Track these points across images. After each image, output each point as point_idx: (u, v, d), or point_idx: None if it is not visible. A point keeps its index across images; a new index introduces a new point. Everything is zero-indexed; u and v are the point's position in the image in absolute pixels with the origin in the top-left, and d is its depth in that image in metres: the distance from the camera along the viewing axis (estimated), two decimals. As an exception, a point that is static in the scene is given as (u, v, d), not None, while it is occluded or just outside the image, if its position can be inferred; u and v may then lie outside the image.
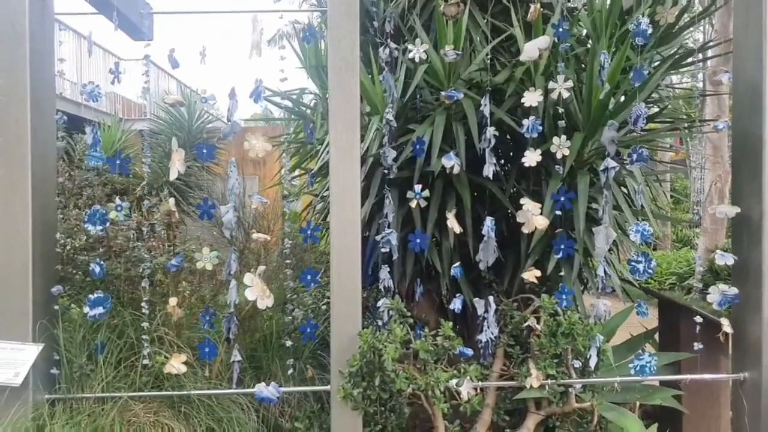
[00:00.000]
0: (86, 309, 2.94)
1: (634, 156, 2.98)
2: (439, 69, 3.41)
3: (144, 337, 2.98)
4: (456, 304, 3.08)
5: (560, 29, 3.10)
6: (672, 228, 13.24)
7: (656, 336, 3.98)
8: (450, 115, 3.40)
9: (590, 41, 3.62)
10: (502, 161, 3.86)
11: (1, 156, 2.83)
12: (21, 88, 2.83)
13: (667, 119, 3.96)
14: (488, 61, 3.48)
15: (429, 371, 2.79)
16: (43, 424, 2.80)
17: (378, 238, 3.04)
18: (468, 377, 2.78)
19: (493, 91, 3.31)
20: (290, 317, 3.12)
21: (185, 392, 2.96)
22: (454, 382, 2.78)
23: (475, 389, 2.87)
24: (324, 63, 4.31)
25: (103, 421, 2.87)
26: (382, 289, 3.06)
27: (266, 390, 2.95)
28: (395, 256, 3.07)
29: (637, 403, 3.47)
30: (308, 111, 4.49)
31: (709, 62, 7.52)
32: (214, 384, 3.11)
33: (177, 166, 2.98)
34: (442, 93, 3.12)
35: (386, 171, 3.10)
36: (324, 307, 3.77)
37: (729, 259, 3.02)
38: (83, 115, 10.72)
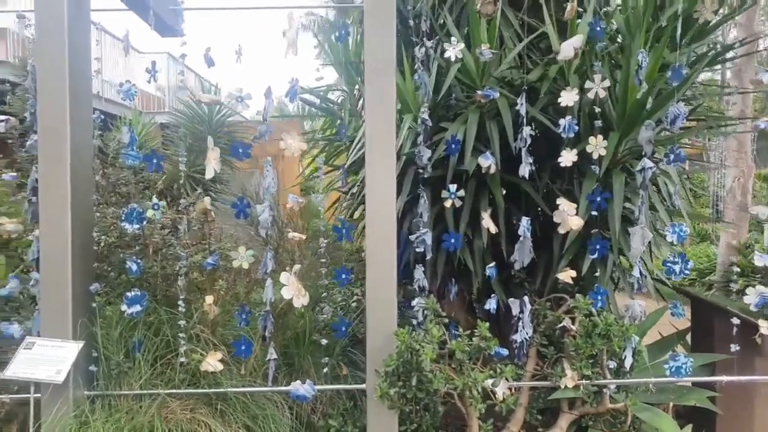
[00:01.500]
0: (124, 307, 2.96)
1: (671, 156, 2.95)
2: (472, 67, 3.39)
3: (181, 334, 3.00)
4: (491, 304, 3.07)
5: (597, 28, 3.06)
6: (690, 222, 13.11)
7: (687, 336, 3.96)
8: (483, 114, 3.38)
9: (621, 38, 3.57)
10: (531, 160, 3.84)
11: (41, 151, 2.85)
12: (60, 82, 2.85)
13: (700, 117, 3.91)
14: (519, 60, 3.45)
15: (465, 371, 2.79)
16: (85, 420, 2.84)
17: (413, 237, 3.04)
18: (504, 377, 2.78)
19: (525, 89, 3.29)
20: (323, 315, 3.13)
21: (223, 390, 2.98)
22: (489, 382, 2.79)
23: (510, 389, 2.88)
24: (352, 59, 4.31)
25: (141, 419, 2.90)
26: (416, 289, 3.06)
27: (302, 388, 2.97)
28: (428, 256, 3.07)
29: (670, 404, 3.45)
30: (336, 107, 4.49)
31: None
32: (249, 381, 3.12)
33: (213, 164, 2.99)
34: (478, 92, 3.10)
35: (420, 170, 3.09)
36: (354, 304, 3.78)
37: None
38: (103, 108, 10.75)
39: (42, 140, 2.84)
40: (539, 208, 3.53)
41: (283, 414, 3.13)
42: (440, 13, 3.71)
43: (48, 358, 2.80)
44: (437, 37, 3.56)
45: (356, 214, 4.29)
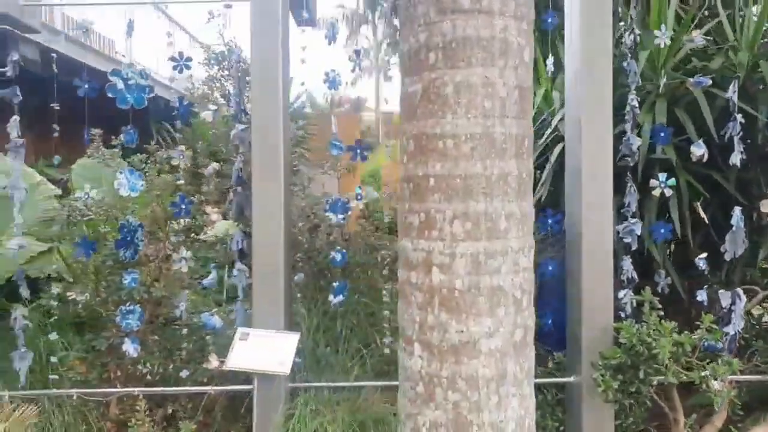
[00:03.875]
0: (330, 297, 2.94)
1: None
2: (655, 54, 3.29)
3: (385, 325, 2.98)
4: (702, 296, 3.00)
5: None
6: None
7: None
8: (671, 101, 3.29)
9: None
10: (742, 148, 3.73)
11: (255, 142, 2.83)
12: (274, 72, 2.82)
13: None
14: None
15: (695, 366, 2.73)
16: (298, 413, 2.82)
17: (620, 228, 2.97)
18: (731, 371, 2.72)
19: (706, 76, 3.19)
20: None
21: None
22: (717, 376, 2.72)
23: (729, 382, 2.81)
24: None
25: (342, 413, 2.86)
26: (624, 281, 2.99)
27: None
28: (634, 247, 3.00)
29: None
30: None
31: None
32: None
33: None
34: (690, 80, 3.01)
35: (626, 157, 3.01)
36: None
37: None
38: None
39: (256, 132, 2.82)
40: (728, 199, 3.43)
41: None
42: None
43: (267, 349, 2.78)
44: (622, 24, 3.48)
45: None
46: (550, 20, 3.07)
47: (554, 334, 3.18)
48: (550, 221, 2.98)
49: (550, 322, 3.05)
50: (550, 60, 3.11)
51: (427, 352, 1.43)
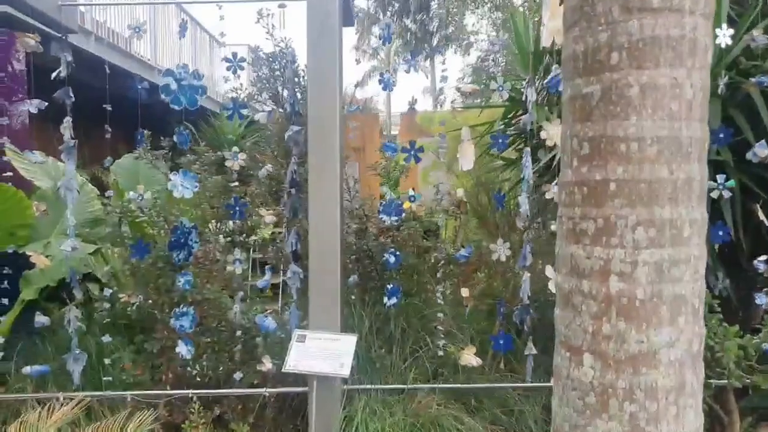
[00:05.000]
0: (385, 299, 2.93)
1: None
2: (716, 54, 3.26)
3: (438, 327, 2.96)
4: (761, 299, 2.97)
5: None
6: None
7: None
8: (724, 101, 3.26)
9: None
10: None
11: (311, 143, 2.81)
12: (332, 73, 2.81)
13: None
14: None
15: (756, 370, 2.70)
16: (359, 416, 2.81)
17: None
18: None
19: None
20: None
21: (494, 385, 2.94)
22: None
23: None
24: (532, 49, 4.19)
25: (400, 415, 2.85)
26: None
27: (564, 384, 2.90)
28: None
29: None
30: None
31: None
32: (499, 377, 3.07)
33: (469, 156, 2.93)
34: (751, 80, 2.98)
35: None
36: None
37: None
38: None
39: (313, 134, 2.80)
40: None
41: (535, 411, 3.07)
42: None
43: (328, 352, 2.77)
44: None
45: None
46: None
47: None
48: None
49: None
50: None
51: (601, 362, 1.41)
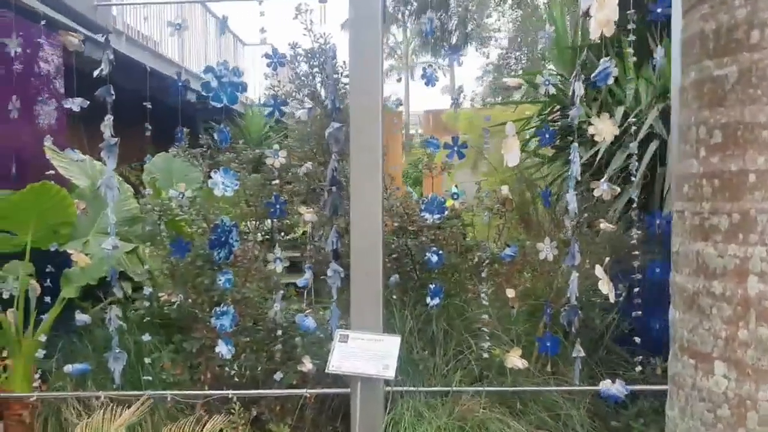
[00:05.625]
0: (428, 299, 2.87)
1: None
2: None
3: (483, 329, 2.89)
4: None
5: None
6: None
7: None
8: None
9: None
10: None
11: (354, 140, 2.76)
12: (374, 71, 2.75)
13: None
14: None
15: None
16: (399, 417, 2.76)
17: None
18: None
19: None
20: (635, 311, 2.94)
21: (543, 388, 2.87)
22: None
23: None
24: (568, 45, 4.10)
25: (446, 419, 2.79)
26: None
27: (613, 387, 2.82)
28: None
29: None
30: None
31: None
32: (545, 380, 3.00)
33: (514, 152, 2.85)
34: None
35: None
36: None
37: None
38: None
39: (354, 132, 2.75)
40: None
41: (582, 415, 2.99)
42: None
43: (371, 353, 2.71)
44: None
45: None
46: (660, 10, 2.94)
47: (653, 339, 3.07)
48: (658, 221, 2.86)
49: (657, 326, 2.93)
50: (660, 52, 2.98)
51: (737, 371, 1.29)
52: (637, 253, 2.84)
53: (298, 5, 3.07)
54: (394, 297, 2.94)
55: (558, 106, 4.40)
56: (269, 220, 3.20)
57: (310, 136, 3.05)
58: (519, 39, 22.39)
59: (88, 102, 2.94)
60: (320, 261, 3.13)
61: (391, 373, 2.64)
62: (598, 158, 3.53)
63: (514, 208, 3.10)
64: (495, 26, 26.74)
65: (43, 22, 3.10)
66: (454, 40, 26.77)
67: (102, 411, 2.49)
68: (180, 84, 3.02)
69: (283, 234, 3.05)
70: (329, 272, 2.93)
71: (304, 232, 3.98)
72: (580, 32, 4.15)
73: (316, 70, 3.01)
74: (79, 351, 3.38)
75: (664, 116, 3.47)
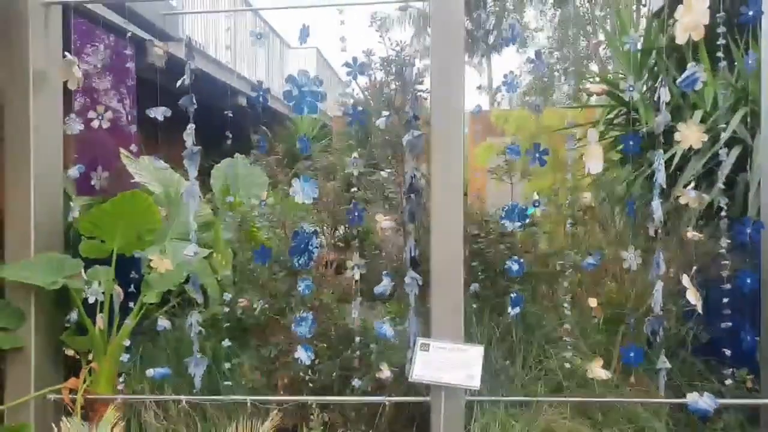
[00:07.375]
0: (509, 308, 2.84)
1: None
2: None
3: (565, 339, 2.84)
4: None
5: None
6: None
7: None
8: None
9: None
10: None
11: (436, 149, 2.75)
12: (457, 77, 2.74)
13: None
14: None
15: None
16: (486, 427, 2.73)
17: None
18: None
19: None
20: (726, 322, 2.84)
21: (628, 400, 2.81)
22: None
23: None
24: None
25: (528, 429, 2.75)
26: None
27: (701, 400, 2.74)
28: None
29: None
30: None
31: None
32: (627, 391, 2.93)
33: (597, 159, 2.80)
34: None
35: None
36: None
37: None
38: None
39: (436, 140, 2.74)
40: None
41: (666, 427, 2.91)
42: None
43: (450, 361, 2.70)
44: None
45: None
46: (751, 13, 2.84)
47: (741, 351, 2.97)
48: (748, 230, 2.76)
49: (748, 338, 2.83)
50: (752, 56, 2.88)
51: None
52: (726, 262, 2.75)
53: (374, 12, 3.08)
54: (474, 306, 2.91)
55: (623, 110, 4.32)
56: (342, 227, 3.20)
57: (385, 143, 3.04)
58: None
59: (170, 111, 2.99)
60: (395, 268, 3.12)
61: (476, 383, 2.62)
62: (673, 164, 3.44)
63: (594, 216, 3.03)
64: (537, 26, 26.32)
65: (129, 35, 3.15)
66: (491, 39, 26.44)
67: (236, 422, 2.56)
68: (260, 93, 3.05)
69: (358, 241, 3.05)
70: (407, 279, 2.93)
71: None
72: (653, 34, 4.04)
73: (392, 77, 3.00)
74: (155, 355, 3.45)
75: (746, 121, 3.37)
